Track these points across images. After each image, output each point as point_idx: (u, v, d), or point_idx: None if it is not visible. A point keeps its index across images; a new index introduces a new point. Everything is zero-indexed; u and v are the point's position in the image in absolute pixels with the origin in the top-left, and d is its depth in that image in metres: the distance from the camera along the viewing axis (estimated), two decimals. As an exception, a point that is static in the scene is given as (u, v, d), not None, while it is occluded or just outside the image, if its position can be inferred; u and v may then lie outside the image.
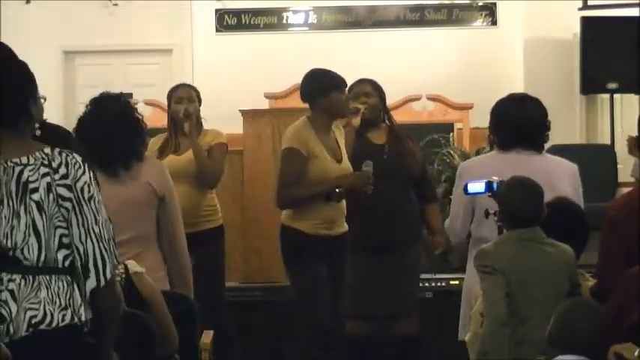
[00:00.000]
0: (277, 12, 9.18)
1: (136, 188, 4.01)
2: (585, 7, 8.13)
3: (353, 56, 8.76)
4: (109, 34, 9.07)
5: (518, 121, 4.33)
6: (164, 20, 9.17)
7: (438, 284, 6.06)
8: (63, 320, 2.75)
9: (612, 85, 7.79)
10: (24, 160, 2.81)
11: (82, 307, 2.78)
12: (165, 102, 5.74)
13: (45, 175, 2.80)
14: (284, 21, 9.20)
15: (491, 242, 3.80)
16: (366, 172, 4.89)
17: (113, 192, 3.84)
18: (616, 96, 8.09)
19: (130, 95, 8.77)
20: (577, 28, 8.02)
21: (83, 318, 2.78)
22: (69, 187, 2.80)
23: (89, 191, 2.82)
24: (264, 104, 7.82)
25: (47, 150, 2.84)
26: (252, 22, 9.17)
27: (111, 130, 4.00)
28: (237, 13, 9.15)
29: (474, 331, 3.87)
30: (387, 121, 5.27)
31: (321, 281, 4.92)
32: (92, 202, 2.82)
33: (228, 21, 9.17)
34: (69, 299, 2.77)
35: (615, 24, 7.81)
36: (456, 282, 6.00)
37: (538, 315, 3.51)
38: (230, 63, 8.85)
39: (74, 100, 8.84)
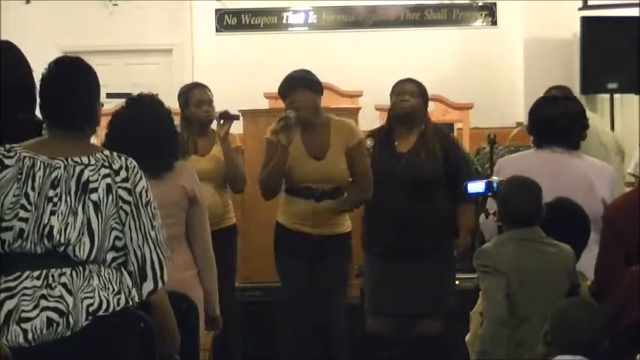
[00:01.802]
0: (277, 12, 9.18)
1: (170, 191, 4.00)
2: (585, 7, 8.13)
3: (353, 56, 8.78)
4: (108, 34, 9.06)
5: (549, 118, 4.33)
6: (164, 20, 9.17)
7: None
8: (118, 304, 2.82)
9: (612, 85, 7.78)
10: (85, 160, 2.86)
11: (134, 290, 2.83)
12: (165, 102, 5.71)
13: (106, 176, 2.85)
14: (284, 21, 9.20)
15: (491, 242, 3.81)
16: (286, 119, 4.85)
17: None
18: (616, 96, 8.09)
19: (130, 95, 8.82)
20: (577, 28, 8.02)
21: (136, 300, 2.86)
22: (129, 191, 2.86)
23: (146, 196, 2.89)
24: (264, 104, 7.81)
25: (107, 152, 2.89)
26: (252, 22, 9.17)
27: (149, 132, 3.97)
28: (237, 13, 9.15)
29: (474, 331, 3.88)
30: (422, 124, 5.20)
31: (294, 278, 5.01)
32: (149, 207, 2.89)
33: (228, 21, 9.17)
34: (120, 284, 2.84)
35: (615, 24, 7.80)
36: (456, 282, 5.99)
37: (538, 315, 3.50)
38: (230, 63, 8.85)
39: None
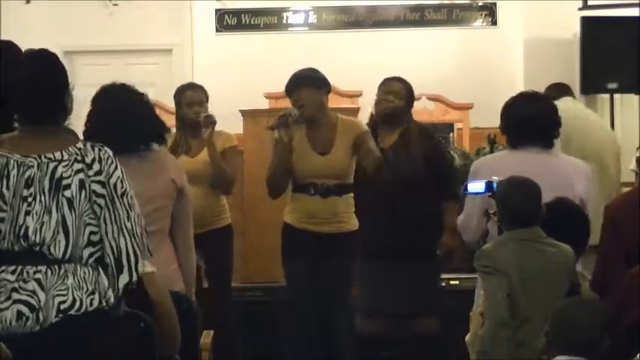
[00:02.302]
0: (277, 12, 9.18)
1: (160, 184, 4.03)
2: (585, 7, 8.13)
3: (353, 56, 8.77)
4: (109, 34, 9.06)
5: (527, 118, 4.31)
6: (164, 20, 9.17)
7: (440, 285, 6.03)
8: (91, 304, 2.79)
9: (612, 85, 7.78)
10: (58, 155, 2.83)
11: (109, 291, 2.81)
12: (165, 102, 5.74)
13: (79, 171, 2.82)
14: (284, 21, 9.20)
15: (492, 242, 3.80)
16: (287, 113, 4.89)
17: (140, 187, 3.87)
18: (616, 96, 8.09)
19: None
20: (577, 28, 8.01)
21: (112, 301, 2.81)
22: (102, 184, 2.83)
23: (122, 187, 2.86)
24: (264, 104, 7.82)
25: (80, 144, 2.86)
26: (252, 22, 9.17)
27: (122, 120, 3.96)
28: (237, 13, 9.15)
29: (474, 331, 3.88)
30: (405, 124, 5.20)
31: (299, 277, 5.00)
32: (125, 197, 2.85)
33: (228, 21, 9.16)
34: (95, 284, 2.81)
35: (615, 24, 7.80)
36: (456, 282, 6.00)
37: (538, 315, 3.50)
38: (230, 63, 8.85)
39: (74, 100, 8.84)
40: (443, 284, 5.70)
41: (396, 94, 5.14)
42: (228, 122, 6.03)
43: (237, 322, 5.65)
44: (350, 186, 4.99)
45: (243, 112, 6.27)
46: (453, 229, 5.00)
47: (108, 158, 2.87)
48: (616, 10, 7.92)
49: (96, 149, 2.87)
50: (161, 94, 7.39)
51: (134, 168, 3.90)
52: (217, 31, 9.15)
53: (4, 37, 3.71)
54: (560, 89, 6.26)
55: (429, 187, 5.11)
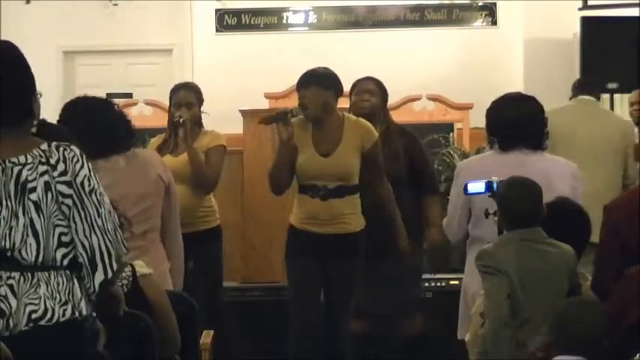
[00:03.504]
0: (277, 12, 9.18)
1: (149, 183, 4.03)
2: (585, 7, 8.13)
3: (353, 56, 8.76)
4: (109, 34, 9.07)
5: (515, 121, 4.31)
6: (164, 20, 9.18)
7: (438, 284, 6.04)
8: (64, 315, 2.75)
9: (612, 85, 7.78)
10: (22, 159, 2.80)
11: (83, 302, 2.78)
12: (165, 102, 5.74)
13: (43, 173, 2.79)
14: (284, 21, 9.21)
15: (493, 242, 3.80)
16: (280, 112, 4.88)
17: (130, 187, 3.89)
18: (616, 96, 8.09)
19: (130, 95, 8.84)
20: (577, 28, 8.02)
21: (84, 312, 2.78)
22: (69, 184, 2.79)
23: (89, 184, 2.81)
24: (264, 104, 7.82)
25: (44, 146, 2.82)
26: (252, 22, 9.18)
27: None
28: (237, 13, 9.16)
29: (474, 331, 3.87)
30: (384, 123, 5.24)
31: (302, 278, 4.96)
32: (93, 195, 2.81)
33: (228, 21, 9.17)
34: (69, 294, 2.77)
35: (615, 24, 7.81)
36: (456, 282, 5.99)
37: (539, 315, 3.50)
38: (230, 63, 8.86)
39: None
40: (443, 284, 5.72)
41: (371, 93, 5.18)
42: (228, 122, 6.05)
43: (233, 323, 5.64)
44: (354, 187, 4.94)
45: (243, 112, 6.27)
46: (439, 223, 4.99)
47: (73, 157, 2.82)
48: (616, 10, 7.93)
49: (60, 149, 2.82)
50: (161, 94, 7.38)
51: (123, 169, 3.91)
52: (217, 31, 9.16)
53: (4, 37, 3.71)
54: (578, 86, 6.26)
55: (410, 185, 5.15)
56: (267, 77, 8.20)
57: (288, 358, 5.10)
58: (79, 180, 2.80)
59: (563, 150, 5.16)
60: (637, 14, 7.58)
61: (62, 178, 2.79)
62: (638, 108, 6.48)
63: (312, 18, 9.20)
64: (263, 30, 9.16)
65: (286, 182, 4.99)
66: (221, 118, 5.66)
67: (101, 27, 9.04)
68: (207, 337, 4.32)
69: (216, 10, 9.14)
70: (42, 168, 2.79)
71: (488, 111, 4.41)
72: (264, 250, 5.97)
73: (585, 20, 7.89)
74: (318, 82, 4.90)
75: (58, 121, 3.87)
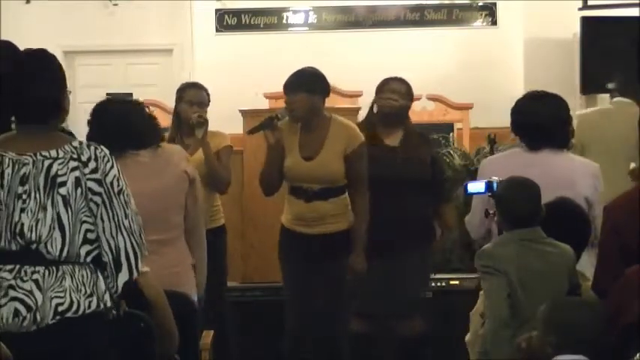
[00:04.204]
0: (277, 12, 9.18)
1: (173, 178, 4.02)
2: (585, 7, 8.13)
3: (353, 56, 8.78)
4: (109, 34, 9.07)
5: (544, 121, 4.29)
6: (164, 20, 9.18)
7: (438, 284, 6.04)
8: (89, 307, 2.79)
9: (612, 85, 7.79)
10: (53, 153, 2.83)
11: (107, 294, 2.81)
12: (165, 102, 5.73)
13: (74, 169, 2.82)
14: (284, 21, 9.21)
15: (492, 242, 3.80)
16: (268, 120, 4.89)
17: (153, 184, 3.88)
18: (616, 96, 8.09)
19: (130, 95, 8.83)
20: (577, 28, 8.03)
21: (108, 304, 2.81)
22: (99, 182, 2.83)
23: (118, 185, 2.85)
24: (264, 104, 7.82)
25: (76, 143, 2.87)
26: (252, 22, 9.17)
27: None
28: (237, 13, 9.16)
29: (474, 331, 3.88)
30: (406, 126, 5.21)
31: (294, 278, 5.02)
32: (121, 195, 2.85)
33: (228, 21, 9.17)
34: (93, 286, 2.81)
35: (615, 24, 7.81)
36: (456, 282, 6.00)
37: (539, 315, 3.50)
38: (230, 63, 8.85)
39: (74, 100, 8.80)
40: (443, 284, 5.72)
41: (401, 95, 5.14)
42: (228, 122, 6.04)
43: (235, 323, 5.64)
44: (340, 189, 4.96)
45: (243, 112, 6.27)
46: (450, 228, 5.16)
47: (104, 157, 2.86)
48: (616, 10, 7.93)
49: (92, 148, 2.87)
50: (161, 94, 7.41)
51: (146, 165, 3.91)
52: (217, 31, 9.15)
53: (4, 37, 3.71)
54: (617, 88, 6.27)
55: (429, 190, 5.15)
56: (268, 77, 8.19)
57: (285, 359, 5.12)
58: (108, 179, 2.84)
59: (596, 150, 5.17)
60: (637, 14, 7.58)
61: (93, 176, 2.82)
62: None
63: (312, 18, 9.20)
64: (263, 30, 9.16)
65: (276, 184, 5.05)
66: (221, 118, 5.65)
67: (101, 27, 9.04)
68: (207, 337, 4.32)
69: (216, 10, 9.14)
70: (73, 164, 2.82)
71: (515, 110, 4.38)
72: (263, 250, 5.96)
73: (585, 20, 7.89)
74: (305, 88, 4.92)
75: (89, 121, 3.91)
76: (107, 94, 6.74)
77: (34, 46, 3.12)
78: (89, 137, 3.86)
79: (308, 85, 4.94)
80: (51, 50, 3.14)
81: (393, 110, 5.12)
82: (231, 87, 8.21)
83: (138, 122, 3.99)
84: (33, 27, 8.64)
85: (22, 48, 3.32)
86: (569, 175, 4.16)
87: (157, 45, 9.30)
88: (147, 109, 4.18)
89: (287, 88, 4.96)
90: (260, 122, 4.94)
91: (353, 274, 4.94)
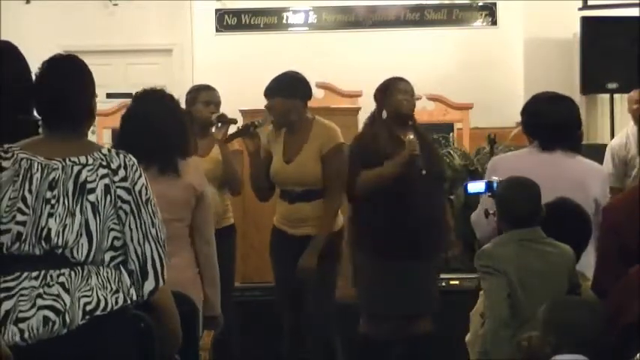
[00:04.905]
0: (277, 12, 9.18)
1: (178, 189, 3.95)
2: (585, 7, 8.14)
3: (353, 56, 8.78)
4: (108, 34, 9.07)
5: (559, 122, 4.27)
6: (164, 20, 9.18)
7: (438, 284, 6.03)
8: (116, 303, 2.80)
9: (612, 85, 7.79)
10: (82, 159, 2.84)
11: (132, 289, 2.83)
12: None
13: (104, 176, 2.83)
14: (284, 21, 9.21)
15: (492, 242, 3.80)
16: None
17: (158, 193, 3.86)
18: (616, 96, 8.09)
19: (131, 95, 8.82)
20: (577, 28, 8.02)
21: (134, 298, 2.84)
22: (128, 190, 2.84)
23: (146, 194, 2.87)
24: (264, 104, 7.81)
25: (105, 150, 2.88)
26: (252, 22, 9.18)
27: (156, 129, 3.93)
28: (237, 13, 9.16)
29: (474, 331, 3.88)
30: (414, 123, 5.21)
31: (278, 276, 5.17)
32: (149, 204, 2.87)
33: (228, 21, 9.17)
34: (118, 282, 2.82)
35: (615, 24, 7.81)
36: (456, 282, 5.99)
37: (539, 315, 3.50)
38: (230, 63, 8.85)
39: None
40: (443, 284, 5.71)
41: (411, 93, 5.15)
42: (228, 122, 6.02)
43: (236, 323, 5.64)
44: (318, 190, 4.98)
45: (243, 112, 6.27)
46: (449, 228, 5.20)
47: (133, 165, 2.88)
48: (616, 10, 7.93)
49: (121, 156, 2.88)
50: (161, 95, 7.37)
51: (154, 174, 3.88)
52: (217, 31, 9.16)
53: (4, 37, 3.71)
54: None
55: (441, 187, 5.18)
56: (267, 77, 8.18)
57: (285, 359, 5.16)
58: (137, 188, 2.85)
59: None
60: (637, 14, 7.58)
61: (123, 184, 2.83)
62: (637, 107, 6.47)
63: (312, 18, 9.20)
64: (263, 30, 9.16)
65: (265, 189, 5.17)
66: (221, 119, 5.64)
67: (101, 27, 9.04)
68: (207, 337, 4.31)
69: (216, 10, 9.14)
70: (102, 171, 2.83)
71: (528, 111, 4.37)
72: (263, 250, 5.95)
73: (585, 20, 7.89)
74: (282, 93, 4.96)
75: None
76: (107, 94, 6.76)
77: (34, 46, 3.13)
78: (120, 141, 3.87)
79: (285, 90, 4.99)
80: (51, 50, 3.13)
81: (410, 110, 5.11)
82: (231, 87, 8.18)
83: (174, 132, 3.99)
84: (33, 27, 8.64)
85: (22, 48, 3.32)
86: (581, 176, 4.17)
87: (156, 45, 9.30)
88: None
89: (265, 93, 5.03)
90: (237, 129, 5.04)
91: (300, 273, 4.93)
